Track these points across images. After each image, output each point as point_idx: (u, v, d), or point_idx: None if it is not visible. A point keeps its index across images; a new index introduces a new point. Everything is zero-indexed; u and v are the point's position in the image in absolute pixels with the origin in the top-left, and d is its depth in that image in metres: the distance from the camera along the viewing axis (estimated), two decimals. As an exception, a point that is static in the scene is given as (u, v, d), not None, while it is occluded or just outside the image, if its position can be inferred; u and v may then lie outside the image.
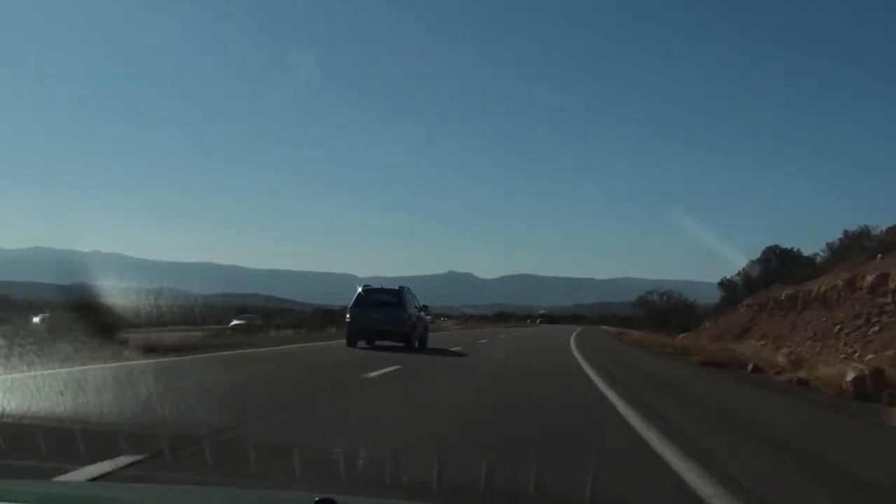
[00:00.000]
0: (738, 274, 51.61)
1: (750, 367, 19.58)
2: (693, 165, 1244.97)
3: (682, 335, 42.35)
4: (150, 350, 16.19)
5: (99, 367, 12.65)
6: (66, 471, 4.93)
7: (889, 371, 13.45)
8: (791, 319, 29.52)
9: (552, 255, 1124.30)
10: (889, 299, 21.02)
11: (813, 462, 7.19)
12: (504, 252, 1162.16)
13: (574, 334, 48.82)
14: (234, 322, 45.94)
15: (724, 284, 52.73)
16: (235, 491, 3.75)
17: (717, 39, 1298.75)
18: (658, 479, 5.83)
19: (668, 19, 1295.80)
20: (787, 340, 26.68)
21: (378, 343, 23.33)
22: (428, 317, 30.23)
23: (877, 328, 20.40)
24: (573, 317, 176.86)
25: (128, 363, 13.59)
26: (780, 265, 44.16)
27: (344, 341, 23.91)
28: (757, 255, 48.73)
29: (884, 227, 31.12)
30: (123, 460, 5.28)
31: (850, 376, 13.20)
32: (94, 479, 4.79)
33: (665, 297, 70.49)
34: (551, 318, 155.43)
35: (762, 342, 29.53)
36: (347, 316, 23.97)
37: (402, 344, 22.97)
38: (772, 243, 51.32)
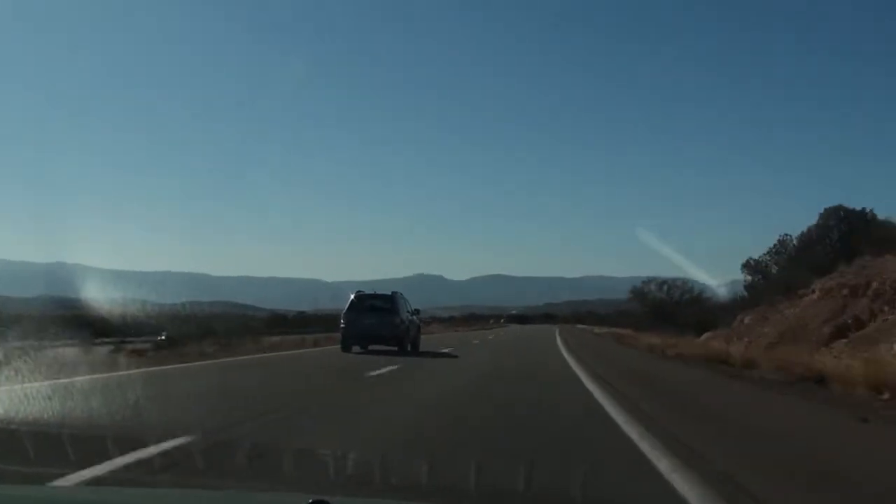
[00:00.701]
0: (774, 251, 43.06)
1: None
2: (660, 166, 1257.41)
3: (705, 336, 34.90)
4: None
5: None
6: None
7: None
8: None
9: (523, 256, 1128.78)
10: None
11: None
12: (474, 253, 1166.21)
13: (558, 340, 40.94)
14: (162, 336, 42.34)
15: (754, 267, 43.99)
16: (230, 493, 3.81)
17: (688, 42, 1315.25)
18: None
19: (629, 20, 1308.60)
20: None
21: (371, 347, 24.00)
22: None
23: None
24: (546, 316, 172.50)
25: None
26: (848, 231, 35.91)
27: (337, 347, 24.66)
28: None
29: None
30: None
31: None
32: (88, 483, 4.79)
33: (666, 287, 59.61)
34: (521, 318, 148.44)
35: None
36: (342, 321, 24.44)
37: (395, 348, 23.61)
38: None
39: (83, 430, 6.62)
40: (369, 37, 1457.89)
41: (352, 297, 25.00)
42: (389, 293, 25.44)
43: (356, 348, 23.67)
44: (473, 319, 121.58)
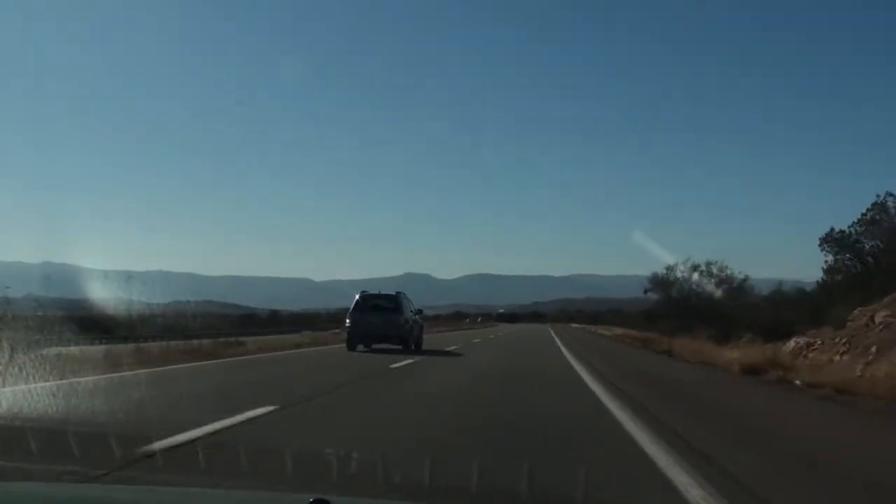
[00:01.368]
0: (869, 219, 31.53)
1: None
2: (649, 165, 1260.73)
3: (794, 344, 22.15)
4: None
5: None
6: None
7: None
8: None
9: (510, 255, 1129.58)
10: None
11: None
12: (462, 252, 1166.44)
13: (564, 351, 28.20)
14: None
15: (841, 241, 32.76)
16: (230, 493, 3.79)
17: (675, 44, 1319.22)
18: None
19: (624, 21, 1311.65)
20: None
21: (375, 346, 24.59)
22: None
23: None
24: (534, 314, 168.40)
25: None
26: None
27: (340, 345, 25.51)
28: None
29: None
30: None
31: None
32: (90, 482, 4.86)
33: (702, 273, 43.05)
34: (510, 317, 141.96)
35: None
36: (347, 321, 25.30)
37: (399, 346, 24.20)
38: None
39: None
40: (366, 37, 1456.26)
41: (357, 297, 25.52)
42: (394, 293, 25.97)
43: (360, 346, 24.22)
44: (459, 318, 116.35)
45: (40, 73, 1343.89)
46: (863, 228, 33.08)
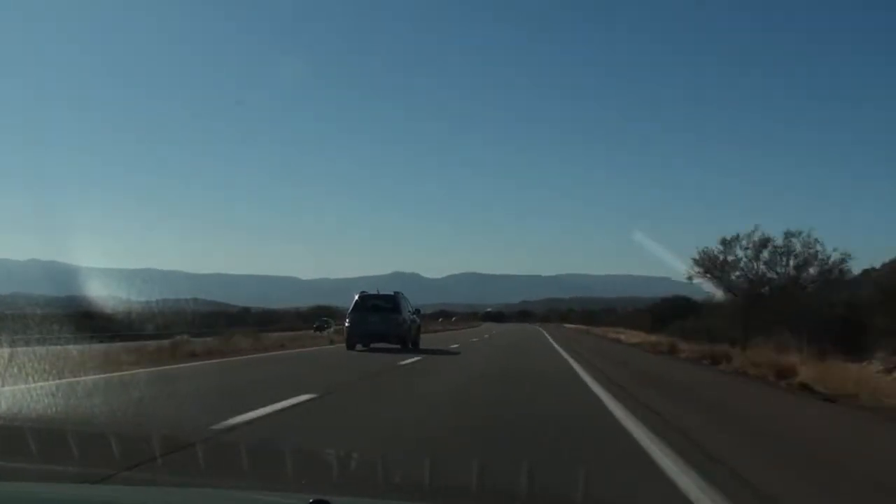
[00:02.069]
0: None
1: None
2: (638, 165, 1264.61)
3: None
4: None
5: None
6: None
7: None
8: None
9: (499, 254, 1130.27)
10: None
11: None
12: (450, 251, 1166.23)
13: (597, 389, 14.13)
14: None
15: None
16: (230, 493, 3.79)
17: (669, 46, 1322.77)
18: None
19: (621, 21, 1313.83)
20: None
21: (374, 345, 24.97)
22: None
23: None
24: (522, 314, 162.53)
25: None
26: None
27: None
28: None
29: None
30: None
31: None
32: (94, 483, 4.82)
33: (776, 252, 29.93)
34: (497, 317, 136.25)
35: None
36: (346, 321, 25.75)
37: (398, 346, 24.65)
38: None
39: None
40: (363, 36, 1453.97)
41: (356, 297, 25.92)
42: (392, 293, 26.40)
43: (359, 346, 24.58)
44: (443, 317, 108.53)
45: (40, 73, 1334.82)
46: None
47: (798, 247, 30.85)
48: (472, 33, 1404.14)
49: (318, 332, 41.88)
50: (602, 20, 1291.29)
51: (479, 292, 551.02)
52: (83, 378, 11.46)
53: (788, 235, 31.08)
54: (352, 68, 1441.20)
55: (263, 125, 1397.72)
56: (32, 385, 10.36)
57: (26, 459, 5.26)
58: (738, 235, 32.05)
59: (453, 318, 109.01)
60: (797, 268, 30.89)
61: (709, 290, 46.64)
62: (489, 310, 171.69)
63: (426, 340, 31.22)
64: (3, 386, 9.95)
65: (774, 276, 31.57)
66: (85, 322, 24.75)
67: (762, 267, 31.55)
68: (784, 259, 31.08)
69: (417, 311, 29.10)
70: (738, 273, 32.22)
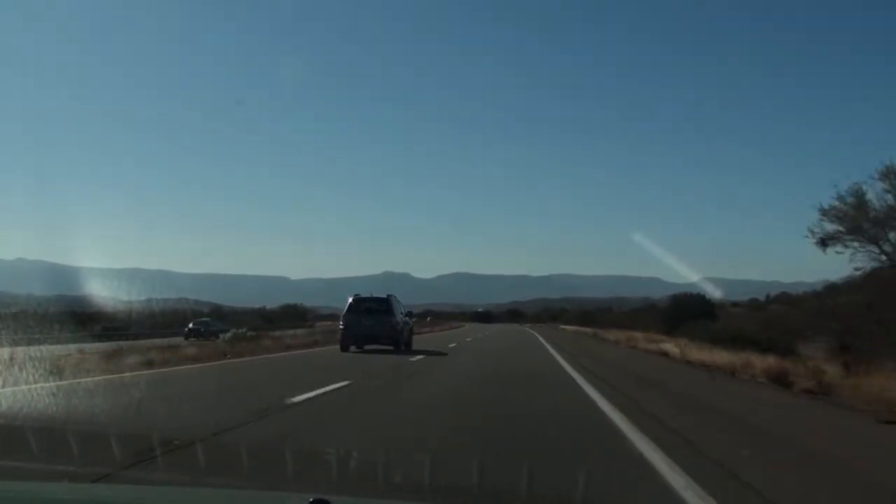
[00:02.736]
0: None
1: None
2: (628, 166, 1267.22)
3: None
4: None
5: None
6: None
7: None
8: None
9: (489, 254, 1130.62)
10: None
11: None
12: (441, 251, 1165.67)
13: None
14: None
15: None
16: (230, 493, 3.80)
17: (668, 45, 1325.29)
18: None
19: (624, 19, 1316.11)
20: None
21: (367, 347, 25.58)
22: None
23: None
24: (512, 313, 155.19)
25: None
26: None
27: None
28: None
29: None
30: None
31: None
32: (93, 481, 4.92)
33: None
34: (485, 317, 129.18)
35: None
36: (341, 323, 26.13)
37: (391, 347, 25.24)
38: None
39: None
40: (362, 36, 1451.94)
41: (350, 300, 26.44)
42: (385, 296, 26.87)
43: (353, 348, 25.21)
44: (418, 318, 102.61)
45: (39, 72, 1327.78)
46: None
47: None
48: (471, 33, 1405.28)
49: (195, 339, 33.94)
50: (602, 20, 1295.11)
51: (469, 292, 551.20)
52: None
53: None
54: (351, 68, 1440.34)
55: (255, 126, 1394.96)
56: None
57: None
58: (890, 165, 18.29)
59: (427, 318, 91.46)
60: None
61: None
62: (480, 310, 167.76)
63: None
64: None
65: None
66: (69, 320, 24.81)
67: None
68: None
69: (409, 313, 29.64)
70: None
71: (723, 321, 37.22)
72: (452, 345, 33.12)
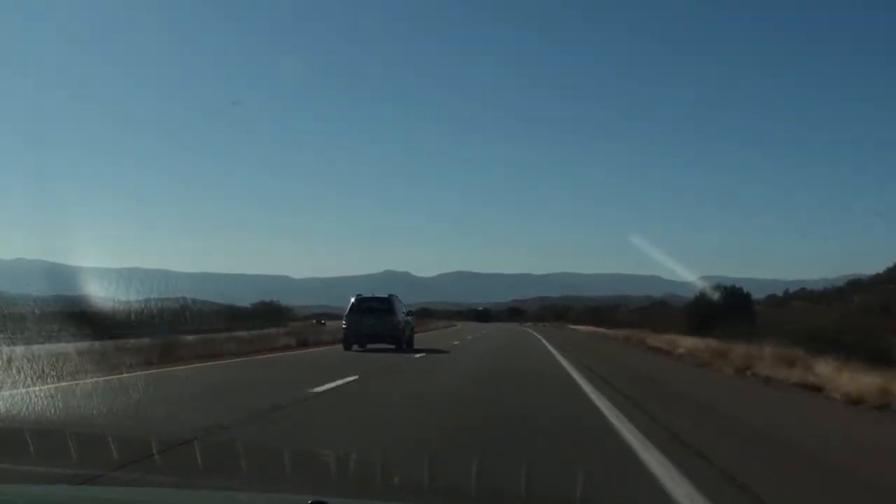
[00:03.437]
0: None
1: None
2: (629, 165, 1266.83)
3: None
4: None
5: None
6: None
7: None
8: None
9: (490, 253, 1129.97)
10: None
11: None
12: (441, 250, 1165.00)
13: None
14: None
15: None
16: (230, 494, 3.79)
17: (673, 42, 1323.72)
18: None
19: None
20: None
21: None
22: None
23: None
24: (512, 311, 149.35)
25: None
26: None
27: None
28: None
29: None
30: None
31: None
32: (89, 482, 4.92)
33: None
34: (482, 315, 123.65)
35: None
36: (343, 323, 26.68)
37: (392, 346, 25.73)
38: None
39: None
40: (362, 36, 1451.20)
41: (352, 300, 27.23)
42: (386, 296, 27.62)
43: (355, 347, 25.97)
44: (426, 317, 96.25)
45: (38, 71, 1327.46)
46: None
47: None
48: (471, 33, 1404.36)
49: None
50: (602, 20, 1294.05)
51: (470, 291, 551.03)
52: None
53: None
54: (349, 68, 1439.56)
55: (255, 125, 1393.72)
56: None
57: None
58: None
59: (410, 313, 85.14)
60: None
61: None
62: (480, 308, 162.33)
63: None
64: None
65: None
66: (67, 321, 24.84)
67: None
68: None
69: (410, 313, 30.37)
70: None
71: (759, 319, 32.87)
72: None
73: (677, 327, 36.21)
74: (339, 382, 13.58)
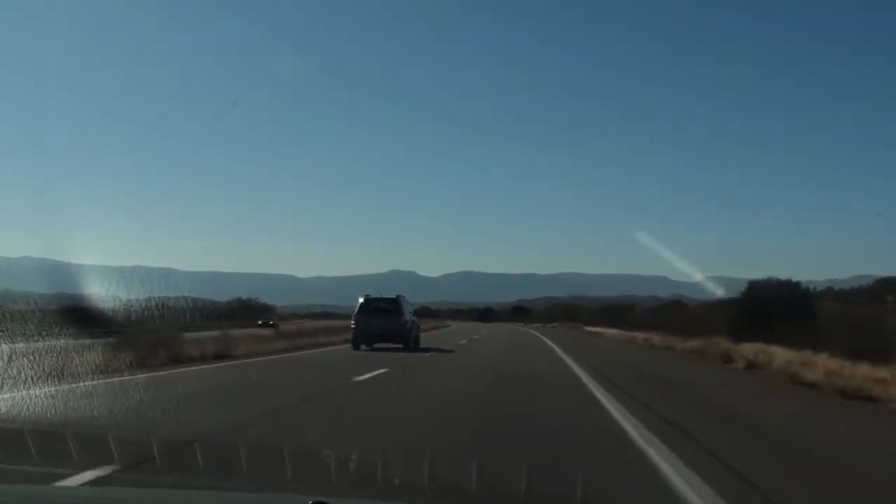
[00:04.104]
0: None
1: None
2: (635, 165, 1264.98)
3: None
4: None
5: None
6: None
7: None
8: None
9: (496, 252, 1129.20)
10: None
11: None
12: (447, 250, 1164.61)
13: None
14: None
15: None
16: (231, 494, 3.82)
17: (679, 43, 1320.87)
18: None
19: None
20: None
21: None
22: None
23: None
24: (517, 310, 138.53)
25: None
26: None
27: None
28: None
29: None
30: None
31: None
32: (90, 483, 4.97)
33: None
34: (484, 314, 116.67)
35: None
36: (352, 323, 27.33)
37: (400, 345, 26.41)
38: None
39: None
40: (361, 35, 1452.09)
41: (360, 300, 27.87)
42: (394, 296, 28.19)
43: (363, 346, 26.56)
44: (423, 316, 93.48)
45: (37, 70, 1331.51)
46: None
47: None
48: (471, 32, 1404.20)
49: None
50: (602, 20, 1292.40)
51: (476, 291, 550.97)
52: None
53: None
54: (350, 67, 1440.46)
55: (260, 124, 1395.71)
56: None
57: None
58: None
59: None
60: None
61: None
62: (482, 307, 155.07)
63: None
64: None
65: None
66: (67, 319, 25.07)
67: None
68: None
69: (415, 313, 31.58)
70: None
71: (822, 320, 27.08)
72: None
73: (711, 329, 30.08)
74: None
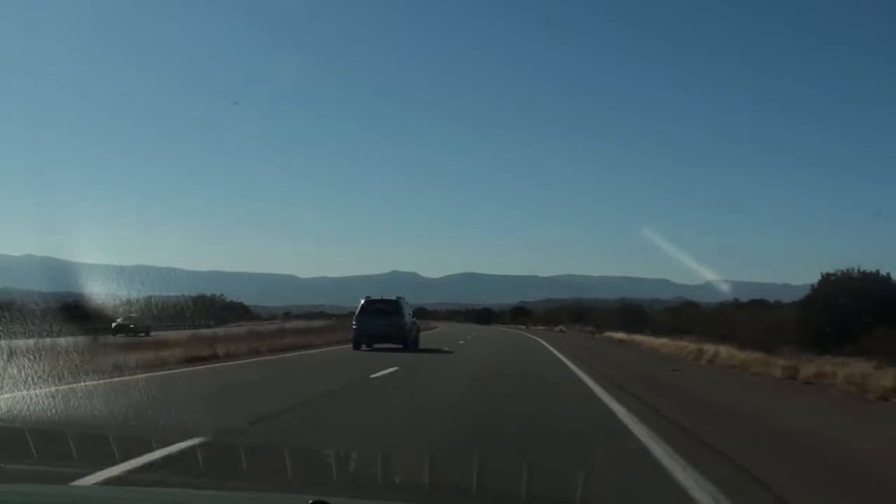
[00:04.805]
0: None
1: None
2: (636, 165, 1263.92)
3: None
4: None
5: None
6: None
7: None
8: None
9: (497, 254, 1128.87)
10: None
11: None
12: (448, 251, 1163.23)
13: None
14: None
15: None
16: (231, 494, 3.85)
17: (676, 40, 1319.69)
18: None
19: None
20: None
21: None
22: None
23: None
24: (518, 311, 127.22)
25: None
26: None
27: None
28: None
29: None
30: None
31: None
32: (94, 483, 4.97)
33: None
34: (483, 317, 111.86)
35: None
36: (353, 323, 27.77)
37: (400, 346, 26.80)
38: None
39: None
40: (361, 35, 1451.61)
41: (362, 301, 28.39)
42: (394, 298, 28.70)
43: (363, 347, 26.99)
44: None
45: (37, 69, 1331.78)
46: None
47: None
48: (473, 32, 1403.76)
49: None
50: (606, 20, 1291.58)
51: (477, 292, 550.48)
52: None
53: None
54: (353, 67, 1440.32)
55: (261, 123, 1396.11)
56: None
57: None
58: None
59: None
60: None
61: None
62: (480, 308, 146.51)
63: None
64: None
65: None
66: (66, 317, 25.37)
67: None
68: None
69: (415, 314, 32.12)
70: None
71: None
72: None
73: (779, 338, 23.46)
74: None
